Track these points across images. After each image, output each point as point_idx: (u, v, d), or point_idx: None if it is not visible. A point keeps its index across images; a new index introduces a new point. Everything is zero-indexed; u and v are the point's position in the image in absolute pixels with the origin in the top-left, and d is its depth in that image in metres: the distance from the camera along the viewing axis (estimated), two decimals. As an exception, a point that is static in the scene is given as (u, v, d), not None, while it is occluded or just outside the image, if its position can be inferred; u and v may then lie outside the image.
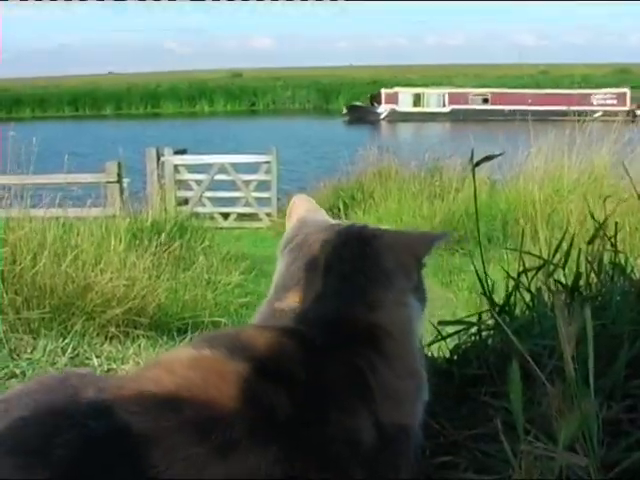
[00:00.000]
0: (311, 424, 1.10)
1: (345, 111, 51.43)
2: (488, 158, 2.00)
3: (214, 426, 1.01)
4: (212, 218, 14.07)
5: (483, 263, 2.12)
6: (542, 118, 42.05)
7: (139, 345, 3.51)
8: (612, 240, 2.13)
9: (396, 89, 49.20)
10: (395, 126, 44.53)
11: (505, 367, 1.68)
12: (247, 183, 14.77)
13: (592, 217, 2.27)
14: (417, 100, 47.58)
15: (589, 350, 1.29)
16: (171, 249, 7.64)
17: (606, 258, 2.13)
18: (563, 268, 2.07)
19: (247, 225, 14.41)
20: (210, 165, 14.84)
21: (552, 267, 2.04)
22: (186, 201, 14.67)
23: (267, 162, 14.67)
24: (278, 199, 14.28)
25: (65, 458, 0.91)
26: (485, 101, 46.62)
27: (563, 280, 2.07)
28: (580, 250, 2.14)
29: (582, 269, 2.08)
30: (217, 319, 5.66)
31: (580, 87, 48.00)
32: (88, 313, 4.90)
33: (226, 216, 14.68)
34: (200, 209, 14.32)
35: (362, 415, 1.18)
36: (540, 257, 2.10)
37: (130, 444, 0.95)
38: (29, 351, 3.24)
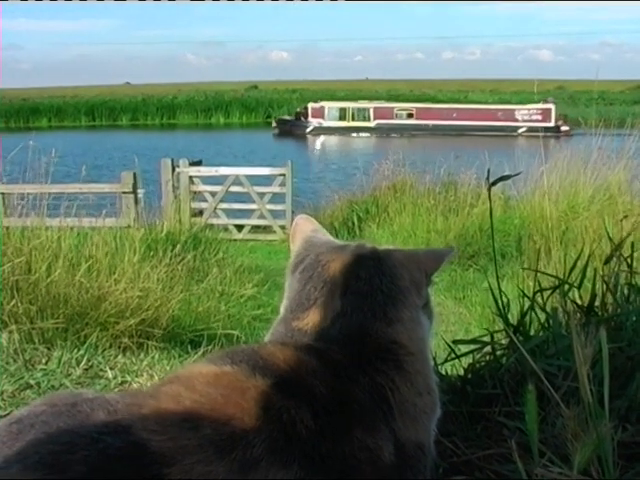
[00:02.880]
0: (333, 442, 1.10)
1: (274, 124, 52.14)
2: (504, 178, 2.01)
3: (234, 444, 1.00)
4: (226, 230, 14.07)
5: (498, 280, 2.12)
6: (466, 133, 43.38)
7: (153, 357, 3.52)
8: (628, 260, 2.13)
9: (322, 103, 50.10)
10: (321, 140, 45.62)
11: (520, 387, 1.69)
12: (261, 195, 14.78)
13: (608, 237, 2.26)
14: (343, 114, 48.40)
15: (604, 372, 1.29)
16: (185, 260, 7.65)
17: (622, 278, 2.12)
18: (578, 288, 2.07)
19: (261, 237, 14.40)
20: (225, 177, 14.86)
21: (567, 287, 2.04)
22: (200, 212, 14.69)
23: (282, 174, 14.67)
24: (292, 212, 14.26)
25: (83, 473, 0.92)
26: (410, 116, 47.62)
27: (578, 300, 2.06)
28: (595, 270, 2.13)
29: (598, 289, 2.08)
30: (230, 331, 5.66)
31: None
32: (102, 323, 4.92)
33: (240, 228, 14.68)
34: (214, 221, 14.31)
35: (383, 433, 1.18)
36: (556, 277, 2.10)
37: (148, 462, 0.95)
38: (44, 362, 3.25)
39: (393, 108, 48.38)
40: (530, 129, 42.59)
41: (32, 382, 2.95)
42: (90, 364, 3.24)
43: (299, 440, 1.06)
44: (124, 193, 11.78)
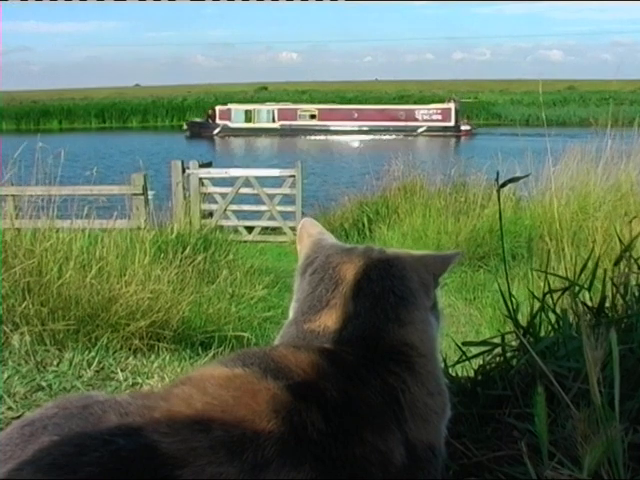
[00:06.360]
0: (344, 444, 1.10)
1: (185, 127, 53.32)
2: (513, 180, 2.01)
3: (245, 446, 1.01)
4: (236, 231, 14.07)
5: (508, 282, 2.11)
6: (368, 133, 44.76)
7: (163, 359, 3.52)
8: (638, 262, 2.12)
9: (229, 106, 51.24)
10: (228, 141, 47.21)
11: (530, 388, 1.68)
12: (271, 197, 14.77)
13: (619, 239, 2.26)
14: (248, 116, 49.44)
15: (615, 373, 1.29)
16: (195, 262, 7.66)
17: (632, 280, 2.11)
18: (589, 290, 2.06)
19: (271, 239, 14.39)
20: (235, 178, 14.86)
21: (578, 288, 2.04)
22: (210, 214, 14.70)
23: (292, 176, 14.67)
24: (303, 213, 14.24)
25: (95, 475, 0.92)
26: (312, 117, 48.82)
27: (589, 301, 2.06)
28: (605, 271, 2.13)
29: (608, 291, 2.07)
30: (240, 333, 5.66)
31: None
32: (113, 325, 4.93)
33: (250, 229, 14.68)
34: (224, 222, 14.30)
35: (394, 435, 1.18)
36: (566, 278, 2.09)
37: (160, 463, 0.95)
38: (55, 364, 3.26)
39: (296, 109, 49.62)
40: (430, 129, 45.34)
41: (44, 384, 2.96)
42: (101, 366, 3.25)
43: (310, 442, 1.06)
44: (134, 195, 11.78)
